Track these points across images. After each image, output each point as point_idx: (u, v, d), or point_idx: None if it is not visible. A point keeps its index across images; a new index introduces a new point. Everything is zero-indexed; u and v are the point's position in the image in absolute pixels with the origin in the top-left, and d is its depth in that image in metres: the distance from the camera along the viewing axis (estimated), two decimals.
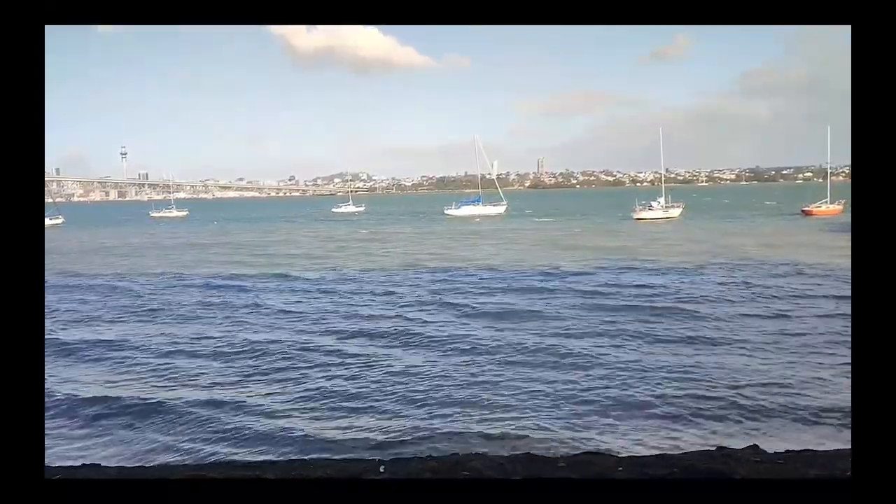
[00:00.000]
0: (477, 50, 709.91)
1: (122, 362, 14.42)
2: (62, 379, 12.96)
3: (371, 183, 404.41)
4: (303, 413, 10.73)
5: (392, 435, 9.60)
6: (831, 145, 70.73)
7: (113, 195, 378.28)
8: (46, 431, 8.42)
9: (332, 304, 21.19)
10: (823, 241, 38.90)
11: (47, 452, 6.95)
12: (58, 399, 11.53)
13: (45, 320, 17.75)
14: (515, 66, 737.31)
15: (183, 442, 9.75)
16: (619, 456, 2.84)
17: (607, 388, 11.51)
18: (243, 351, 14.97)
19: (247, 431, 9.90)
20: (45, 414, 10.40)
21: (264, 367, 13.57)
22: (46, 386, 12.27)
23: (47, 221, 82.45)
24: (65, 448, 9.33)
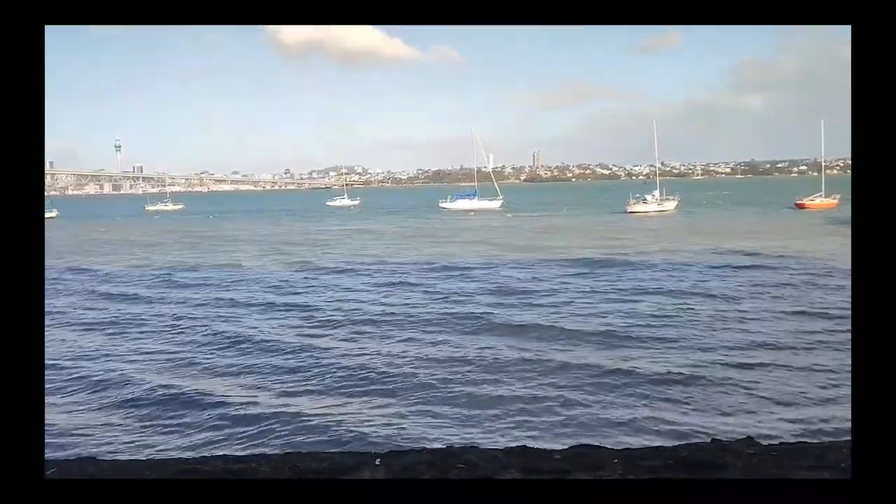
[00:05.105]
0: (464, 42, 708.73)
1: None
2: None
3: (367, 176, 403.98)
4: None
5: None
6: (825, 139, 71.16)
7: (107, 188, 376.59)
8: None
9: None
10: (804, 234, 39.76)
11: None
12: None
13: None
14: (504, 58, 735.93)
15: None
16: (615, 449, 2.87)
17: None
18: None
19: None
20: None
21: None
22: None
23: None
24: None
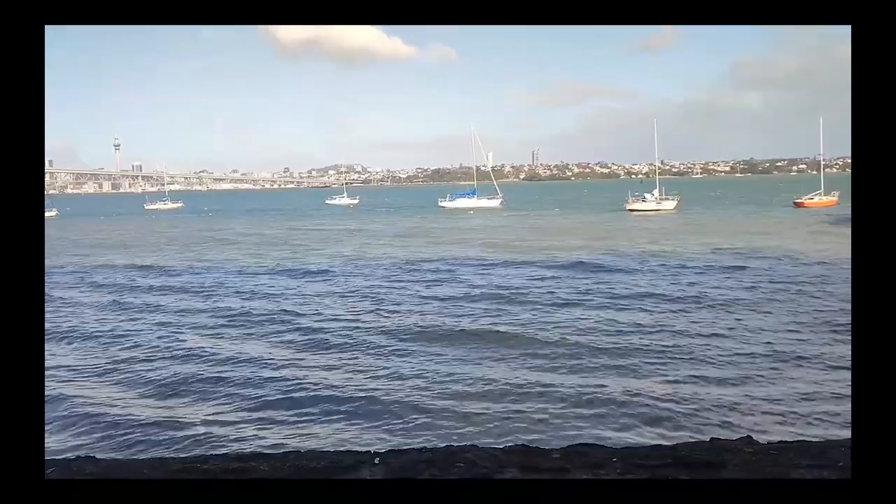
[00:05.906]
0: (464, 41, 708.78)
1: None
2: None
3: (366, 175, 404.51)
4: None
5: None
6: (823, 137, 71.29)
7: (106, 187, 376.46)
8: None
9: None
10: (802, 234, 40.11)
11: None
12: None
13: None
14: (504, 57, 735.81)
15: None
16: (614, 447, 2.87)
17: None
18: None
19: None
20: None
21: None
22: None
23: None
24: None
